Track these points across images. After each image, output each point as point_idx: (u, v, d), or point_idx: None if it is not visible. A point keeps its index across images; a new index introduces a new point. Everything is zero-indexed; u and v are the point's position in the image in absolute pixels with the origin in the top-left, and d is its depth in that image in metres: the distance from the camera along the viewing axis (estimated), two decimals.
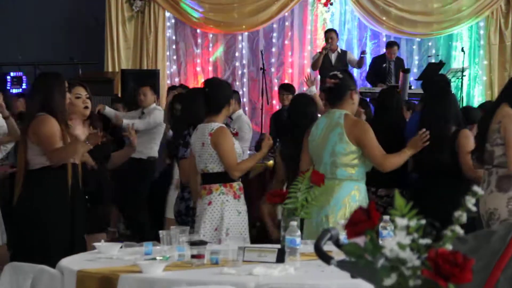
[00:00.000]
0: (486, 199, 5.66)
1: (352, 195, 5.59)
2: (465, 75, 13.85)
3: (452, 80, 13.77)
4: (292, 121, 6.72)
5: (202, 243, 4.29)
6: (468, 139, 6.32)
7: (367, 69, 13.93)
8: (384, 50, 14.40)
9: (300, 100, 7.10)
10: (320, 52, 13.23)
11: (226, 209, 5.78)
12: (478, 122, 6.09)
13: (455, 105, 6.84)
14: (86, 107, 6.33)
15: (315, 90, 10.19)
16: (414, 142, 5.92)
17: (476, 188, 2.15)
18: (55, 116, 5.68)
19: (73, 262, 4.35)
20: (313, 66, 13.25)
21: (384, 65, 13.41)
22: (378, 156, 5.62)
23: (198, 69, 14.72)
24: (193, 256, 4.19)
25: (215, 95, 5.95)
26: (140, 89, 10.47)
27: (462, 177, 6.30)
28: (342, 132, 5.61)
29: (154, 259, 4.29)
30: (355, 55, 14.23)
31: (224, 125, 5.96)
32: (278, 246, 4.46)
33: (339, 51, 13.31)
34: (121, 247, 4.69)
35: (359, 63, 13.58)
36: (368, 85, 13.98)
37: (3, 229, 7.03)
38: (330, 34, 13.32)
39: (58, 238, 5.53)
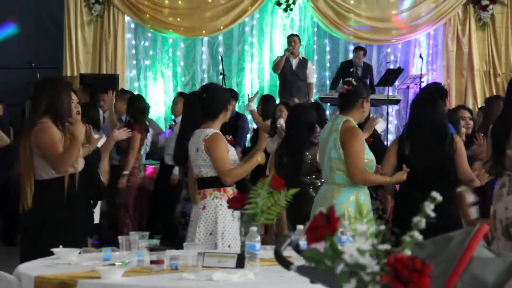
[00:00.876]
0: (508, 205, 5.69)
1: (351, 201, 5.57)
2: (423, 81, 13.98)
3: (410, 86, 13.92)
4: (290, 131, 6.78)
5: (162, 248, 4.28)
6: (462, 143, 6.37)
7: (334, 74, 14.02)
8: (344, 56, 14.53)
9: (299, 110, 7.15)
10: (281, 56, 13.26)
11: (220, 214, 5.79)
12: (492, 129, 6.06)
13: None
14: (78, 112, 6.25)
15: (254, 106, 10.18)
16: (400, 176, 5.95)
17: (434, 194, 2.17)
18: (60, 120, 5.57)
19: (31, 268, 4.31)
20: (274, 68, 13.28)
21: (352, 69, 13.48)
22: (353, 166, 5.61)
23: (158, 73, 14.68)
24: (152, 262, 4.17)
25: (212, 101, 5.98)
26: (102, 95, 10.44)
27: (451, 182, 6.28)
28: (337, 138, 5.66)
29: (113, 264, 4.27)
30: (314, 61, 14.31)
31: (219, 131, 5.98)
32: (238, 251, 4.46)
33: (300, 58, 13.35)
34: (79, 253, 4.65)
35: (309, 90, 13.48)
36: (327, 91, 14.05)
37: None
38: (292, 38, 13.40)
39: (69, 241, 5.37)
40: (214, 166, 5.85)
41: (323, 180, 6.04)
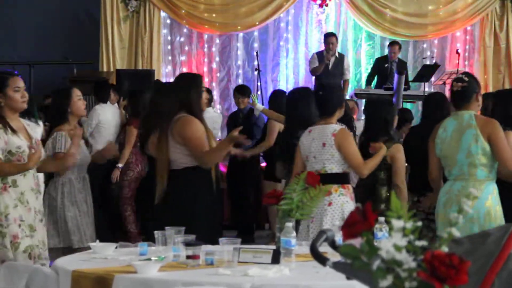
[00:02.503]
0: None
1: (494, 197, 5.72)
2: None
3: (447, 82, 13.82)
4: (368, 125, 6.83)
5: (197, 243, 4.29)
6: None
7: (369, 69, 13.96)
8: (380, 51, 14.47)
9: (378, 105, 7.13)
10: (317, 54, 13.07)
11: (346, 211, 5.85)
12: None
13: None
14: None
15: (261, 106, 10.10)
16: None
17: (472, 190, 2.16)
18: (196, 115, 5.72)
19: (68, 262, 4.34)
20: (313, 72, 13.12)
21: (386, 65, 13.41)
22: (507, 158, 5.72)
23: (193, 68, 14.72)
24: (188, 257, 4.19)
25: (329, 98, 6.11)
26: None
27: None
28: (477, 133, 5.73)
29: (149, 259, 4.29)
30: (350, 57, 14.25)
31: (345, 126, 6.11)
32: (273, 247, 4.46)
33: (337, 55, 13.23)
34: (116, 247, 4.68)
35: (345, 86, 13.43)
36: (363, 87, 14.01)
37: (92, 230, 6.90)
38: (330, 39, 13.09)
39: (206, 230, 5.40)
40: (347, 161, 5.95)
41: (451, 177, 5.97)
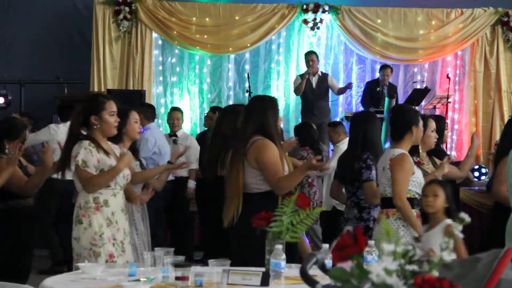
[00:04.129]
0: None
1: None
2: (450, 102, 13.95)
3: (437, 106, 13.88)
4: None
5: (187, 265, 4.28)
6: None
7: (361, 93, 14.04)
8: (370, 75, 14.53)
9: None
10: (300, 76, 13.29)
11: (403, 235, 5.88)
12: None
13: None
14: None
15: None
16: None
17: (463, 215, 2.16)
18: (271, 139, 5.69)
19: (57, 282, 4.32)
20: (296, 91, 13.33)
21: (378, 89, 13.47)
22: None
23: (184, 90, 14.73)
24: (177, 278, 4.17)
25: (397, 122, 6.14)
26: (172, 113, 10.69)
27: None
28: None
29: (138, 280, 4.27)
30: (341, 80, 14.30)
31: (406, 152, 6.08)
32: (263, 269, 4.44)
33: (320, 74, 13.39)
34: (104, 268, 4.66)
35: (340, 91, 13.59)
36: (352, 109, 14.05)
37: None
38: (310, 56, 13.40)
39: None
40: (392, 187, 5.97)
41: None
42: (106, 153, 5.60)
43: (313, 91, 13.18)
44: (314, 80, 13.26)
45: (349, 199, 6.96)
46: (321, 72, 13.52)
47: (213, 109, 11.42)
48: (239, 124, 6.12)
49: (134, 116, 6.75)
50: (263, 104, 5.89)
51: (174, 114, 10.83)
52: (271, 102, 5.95)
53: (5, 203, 6.36)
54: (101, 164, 5.53)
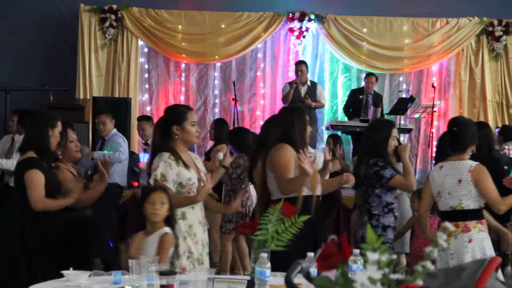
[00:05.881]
0: None
1: None
2: (435, 111, 13.99)
3: (422, 115, 13.91)
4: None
5: (172, 273, 4.27)
6: None
7: (345, 101, 14.04)
8: (356, 84, 14.54)
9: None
10: (289, 84, 13.31)
11: (487, 247, 5.96)
12: None
13: None
14: (77, 151, 6.42)
15: (221, 156, 10.06)
16: None
17: (447, 224, 2.17)
18: (295, 146, 5.71)
19: None
20: (284, 100, 13.32)
21: (361, 96, 13.48)
22: None
23: (170, 97, 14.73)
24: (162, 286, 4.16)
25: (463, 134, 6.18)
26: (98, 117, 10.47)
27: None
28: None
29: None
30: (326, 89, 14.33)
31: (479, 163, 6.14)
32: (248, 277, 4.44)
33: (309, 83, 13.39)
34: (89, 275, 4.65)
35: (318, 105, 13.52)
36: (339, 118, 14.07)
37: None
38: (300, 66, 13.42)
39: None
40: (485, 196, 6.01)
41: None
42: (186, 165, 5.61)
43: (301, 100, 13.18)
44: (303, 90, 13.26)
45: (362, 206, 7.00)
46: (311, 81, 13.52)
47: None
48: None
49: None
50: (289, 113, 5.98)
51: (141, 124, 10.86)
52: (298, 111, 6.02)
53: (61, 215, 6.26)
54: (180, 178, 5.55)
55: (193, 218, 5.56)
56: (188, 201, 5.52)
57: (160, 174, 5.52)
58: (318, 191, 5.88)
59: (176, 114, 5.71)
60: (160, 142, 5.67)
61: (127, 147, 10.39)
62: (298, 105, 6.70)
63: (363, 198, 6.94)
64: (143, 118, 11.24)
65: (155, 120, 11.24)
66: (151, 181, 5.55)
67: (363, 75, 14.36)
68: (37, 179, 5.98)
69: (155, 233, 5.45)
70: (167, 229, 5.40)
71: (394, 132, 6.95)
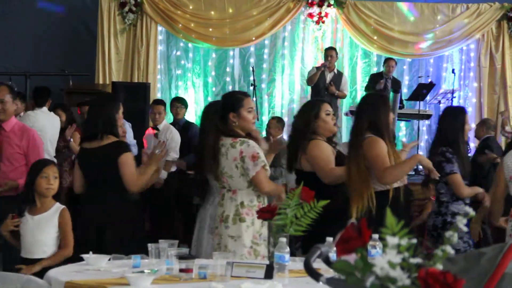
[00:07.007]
0: None
1: None
2: (455, 97, 13.94)
3: (442, 101, 13.86)
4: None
5: (191, 257, 4.29)
6: None
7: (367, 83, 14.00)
8: (375, 69, 14.48)
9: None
10: (317, 68, 13.25)
11: None
12: None
13: None
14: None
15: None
16: None
17: (467, 209, 2.17)
18: (382, 135, 5.74)
19: (61, 273, 4.33)
20: (309, 81, 13.27)
21: (382, 80, 13.44)
22: None
23: (189, 83, 14.74)
24: (181, 270, 4.18)
25: None
26: (154, 107, 10.48)
27: None
28: None
29: (142, 272, 4.28)
30: (346, 74, 14.27)
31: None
32: (267, 262, 4.45)
33: (336, 71, 13.33)
34: (109, 259, 4.67)
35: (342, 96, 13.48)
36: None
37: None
38: (330, 52, 13.36)
39: None
40: None
41: None
42: None
43: (325, 86, 13.14)
44: (328, 76, 13.20)
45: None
46: (337, 70, 13.46)
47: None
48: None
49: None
50: (374, 102, 5.96)
51: (156, 108, 10.70)
52: (382, 99, 6.03)
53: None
54: None
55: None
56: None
57: (265, 162, 5.60)
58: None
59: (232, 101, 5.73)
60: (225, 128, 5.68)
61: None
62: (382, 93, 6.63)
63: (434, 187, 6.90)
64: (160, 102, 11.13)
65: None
66: (259, 169, 5.54)
67: (382, 61, 14.32)
68: (132, 161, 6.00)
69: (51, 210, 5.49)
70: (60, 205, 5.46)
71: (467, 118, 6.87)
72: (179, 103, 11.18)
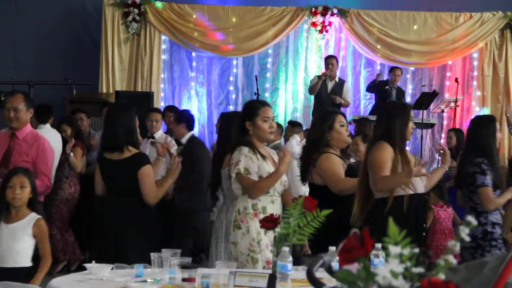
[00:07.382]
0: None
1: None
2: (458, 105, 13.93)
3: (445, 110, 13.86)
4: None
5: (193, 266, 4.28)
6: None
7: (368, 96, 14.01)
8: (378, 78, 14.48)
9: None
10: (319, 76, 13.26)
11: None
12: None
13: None
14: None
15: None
16: None
17: (469, 218, 2.16)
18: (393, 143, 5.69)
19: (64, 283, 4.33)
20: (311, 90, 13.30)
21: (387, 87, 13.42)
22: None
23: (192, 92, 14.75)
24: (184, 280, 4.18)
25: None
26: (151, 114, 10.48)
27: None
28: None
29: (145, 281, 4.28)
30: (348, 83, 14.27)
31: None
32: (269, 271, 4.45)
33: (337, 80, 13.34)
34: (112, 268, 4.67)
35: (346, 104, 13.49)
36: (360, 113, 14.01)
37: None
38: (331, 60, 13.38)
39: None
40: None
41: None
42: (264, 159, 5.67)
43: (327, 95, 13.15)
44: (330, 85, 13.22)
45: (467, 203, 6.88)
46: (339, 78, 13.48)
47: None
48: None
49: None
50: (393, 109, 5.95)
51: (153, 115, 10.65)
52: (402, 107, 6.00)
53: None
54: (260, 171, 5.61)
55: (273, 211, 5.53)
56: (273, 177, 5.56)
57: (244, 168, 5.57)
58: (421, 189, 5.82)
59: (248, 110, 5.77)
60: (237, 137, 5.74)
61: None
62: (404, 102, 6.60)
63: (468, 196, 6.81)
64: (156, 110, 11.08)
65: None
66: (233, 175, 5.58)
67: (386, 70, 14.32)
68: (152, 173, 6.05)
69: (25, 219, 5.50)
70: (36, 215, 5.46)
71: (497, 126, 6.80)
72: (171, 112, 11.18)
